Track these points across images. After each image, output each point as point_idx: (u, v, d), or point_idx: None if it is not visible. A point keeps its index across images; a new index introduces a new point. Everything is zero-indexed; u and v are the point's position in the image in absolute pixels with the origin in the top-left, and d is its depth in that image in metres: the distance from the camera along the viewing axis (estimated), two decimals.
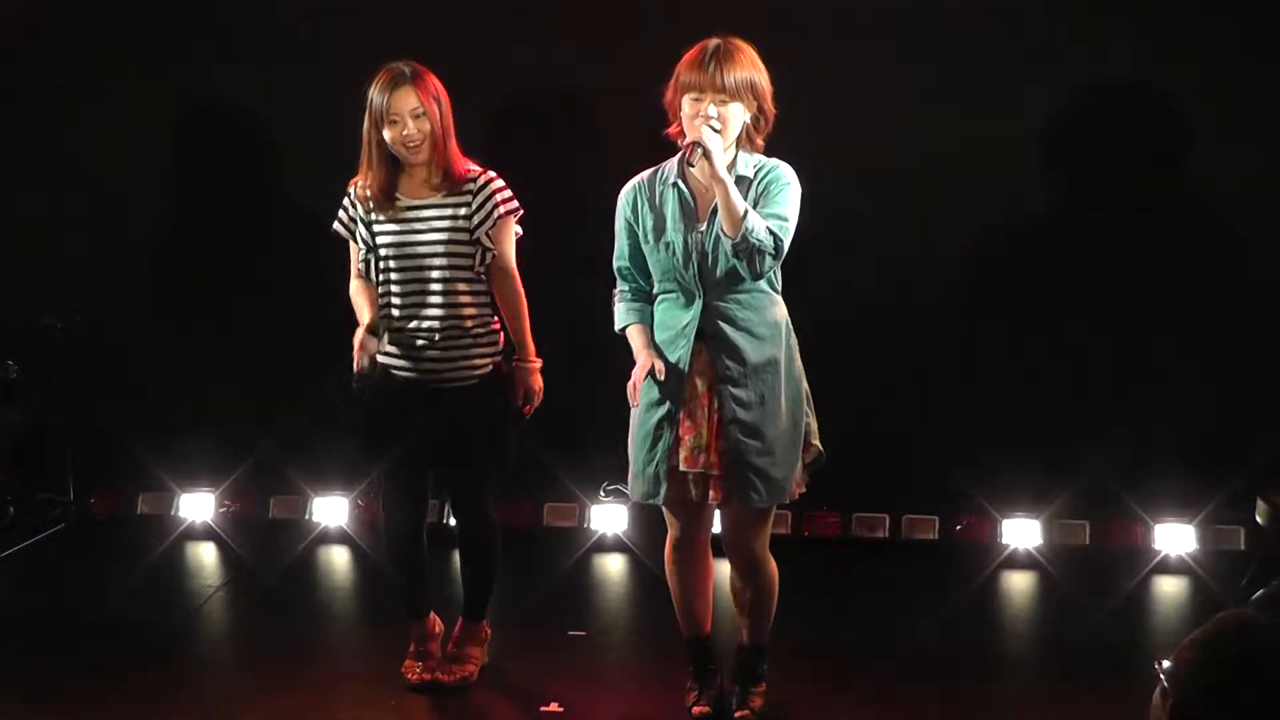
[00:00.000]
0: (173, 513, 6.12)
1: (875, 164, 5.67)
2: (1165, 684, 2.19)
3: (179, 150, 6.17)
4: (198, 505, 6.09)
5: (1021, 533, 5.70)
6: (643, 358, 4.06)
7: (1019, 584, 5.59)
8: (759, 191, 3.97)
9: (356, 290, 4.42)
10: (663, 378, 4.00)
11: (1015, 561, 5.67)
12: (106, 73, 6.06)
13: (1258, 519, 5.06)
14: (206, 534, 6.05)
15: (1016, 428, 5.75)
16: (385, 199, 4.30)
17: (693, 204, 4.02)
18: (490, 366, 4.39)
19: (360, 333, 4.25)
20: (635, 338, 4.12)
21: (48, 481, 6.19)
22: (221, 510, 6.12)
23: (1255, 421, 5.58)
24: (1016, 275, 5.79)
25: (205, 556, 5.93)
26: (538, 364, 4.45)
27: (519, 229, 4.41)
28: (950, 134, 5.66)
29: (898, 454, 5.78)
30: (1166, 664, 2.21)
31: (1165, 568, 5.59)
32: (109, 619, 5.15)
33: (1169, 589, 5.49)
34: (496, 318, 4.42)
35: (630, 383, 4.05)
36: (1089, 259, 5.72)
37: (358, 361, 4.22)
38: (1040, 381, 5.76)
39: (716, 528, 4.28)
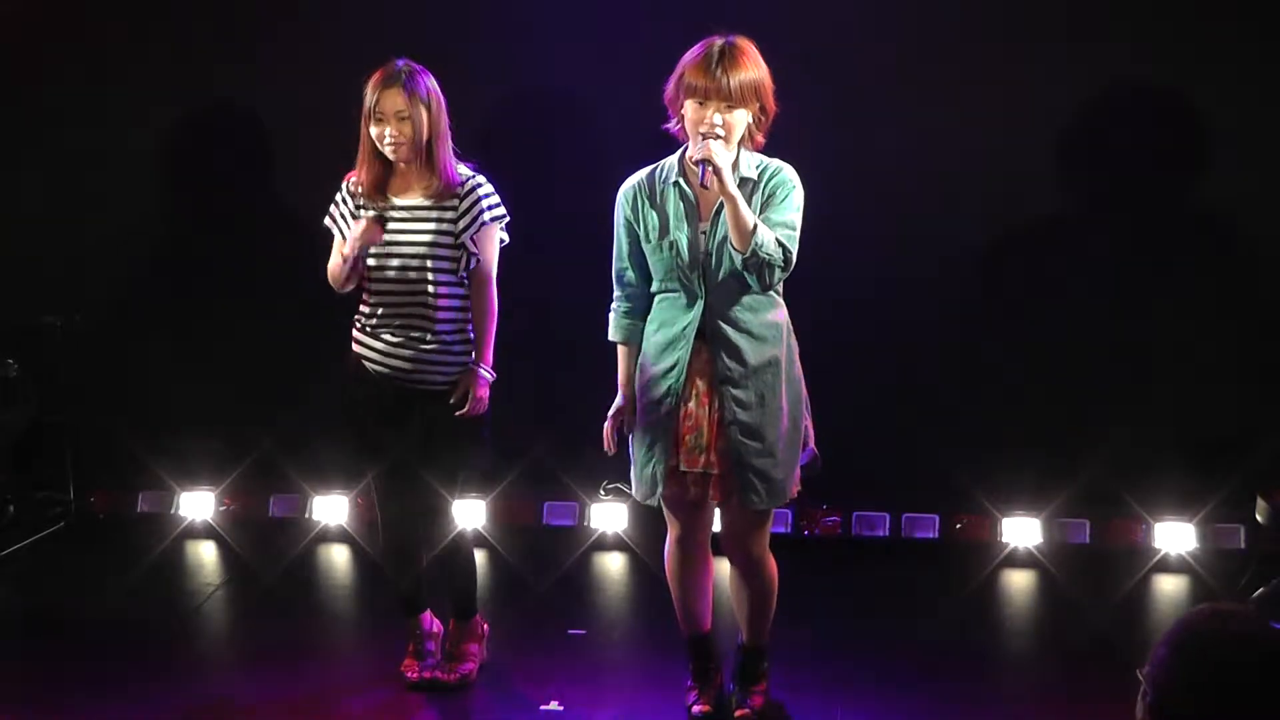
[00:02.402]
0: (173, 511, 6.12)
1: (875, 163, 5.67)
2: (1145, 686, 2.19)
3: (179, 150, 6.17)
4: (198, 504, 6.09)
5: (1021, 531, 5.70)
6: (618, 401, 4.13)
7: (1019, 583, 5.59)
8: (764, 196, 3.96)
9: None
10: (640, 406, 4.06)
11: (1015, 560, 5.68)
12: (106, 73, 6.06)
13: (1257, 518, 5.06)
14: (206, 533, 6.05)
15: (1016, 427, 5.75)
16: (374, 193, 4.31)
17: (695, 202, 4.02)
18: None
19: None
20: (620, 365, 4.16)
21: (48, 480, 6.19)
22: (221, 509, 6.12)
23: (1255, 421, 5.58)
24: (1017, 275, 5.79)
25: (205, 555, 5.93)
26: (490, 375, 4.37)
27: (505, 236, 4.40)
28: (951, 134, 5.66)
29: (898, 454, 5.79)
30: (1148, 669, 2.21)
31: (1165, 566, 5.59)
32: (109, 618, 5.15)
33: (1169, 588, 5.49)
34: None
35: (605, 428, 4.11)
36: (1089, 259, 5.72)
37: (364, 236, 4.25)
38: (1041, 381, 5.76)
39: (716, 527, 4.29)
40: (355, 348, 4.39)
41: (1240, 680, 2.12)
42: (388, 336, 4.32)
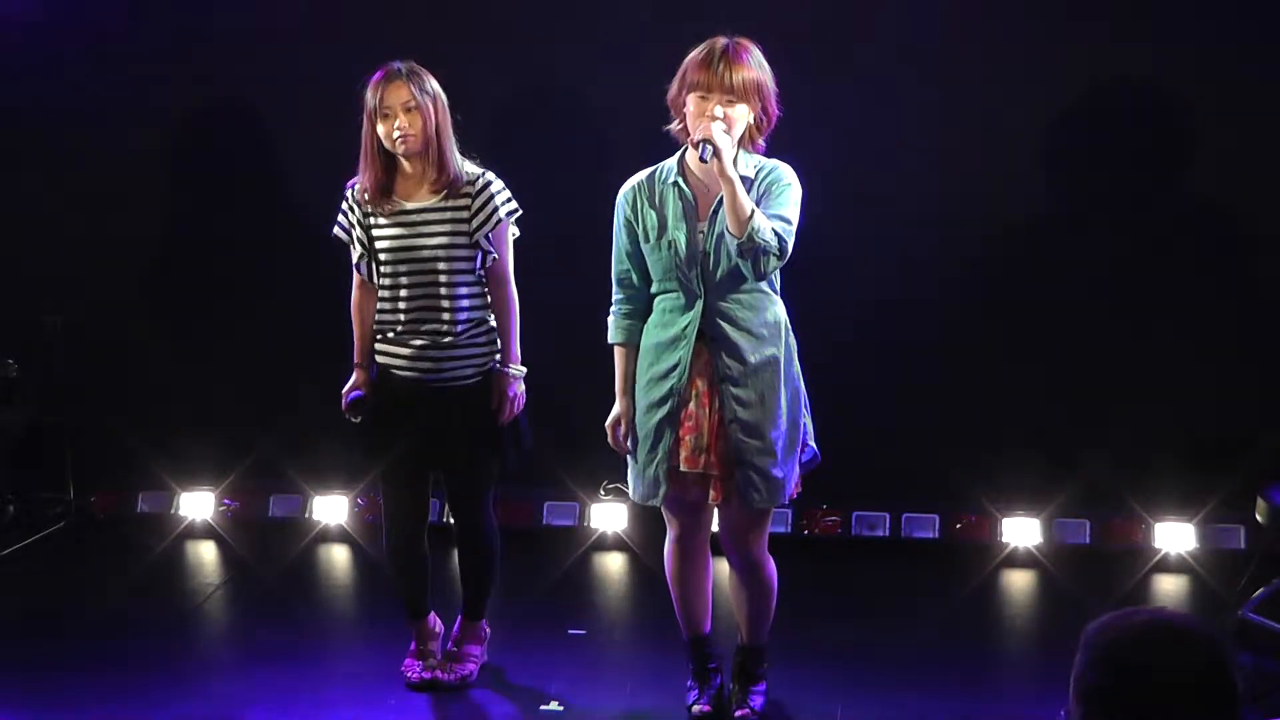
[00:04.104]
0: (173, 511, 6.12)
1: (877, 163, 5.66)
2: (1081, 710, 2.21)
3: (179, 150, 6.17)
4: (198, 504, 6.09)
5: (1021, 531, 5.70)
6: (616, 408, 4.15)
7: (1019, 583, 5.59)
8: (760, 192, 3.96)
9: (356, 305, 4.46)
10: (630, 448, 4.13)
11: (1015, 560, 5.68)
12: (107, 72, 6.06)
13: (1258, 518, 5.06)
14: (206, 532, 6.05)
15: (1016, 427, 5.75)
16: (381, 198, 4.30)
17: (693, 202, 4.02)
18: (491, 365, 4.39)
19: (348, 388, 4.40)
20: (618, 369, 4.17)
21: (48, 480, 6.19)
22: (221, 509, 6.12)
23: (1255, 421, 5.58)
24: (1017, 274, 5.79)
25: (205, 555, 5.93)
26: (521, 371, 4.42)
27: (516, 230, 4.41)
28: (953, 133, 5.66)
29: (898, 454, 5.78)
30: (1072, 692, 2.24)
31: (1165, 566, 5.59)
32: (109, 618, 5.15)
33: (1169, 587, 5.49)
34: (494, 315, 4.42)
35: (610, 441, 4.17)
36: (1090, 258, 5.72)
37: (347, 410, 4.39)
38: (1041, 381, 5.76)
39: (716, 527, 4.29)
40: (379, 358, 4.40)
41: (1168, 663, 2.15)
42: (414, 341, 4.33)
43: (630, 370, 4.15)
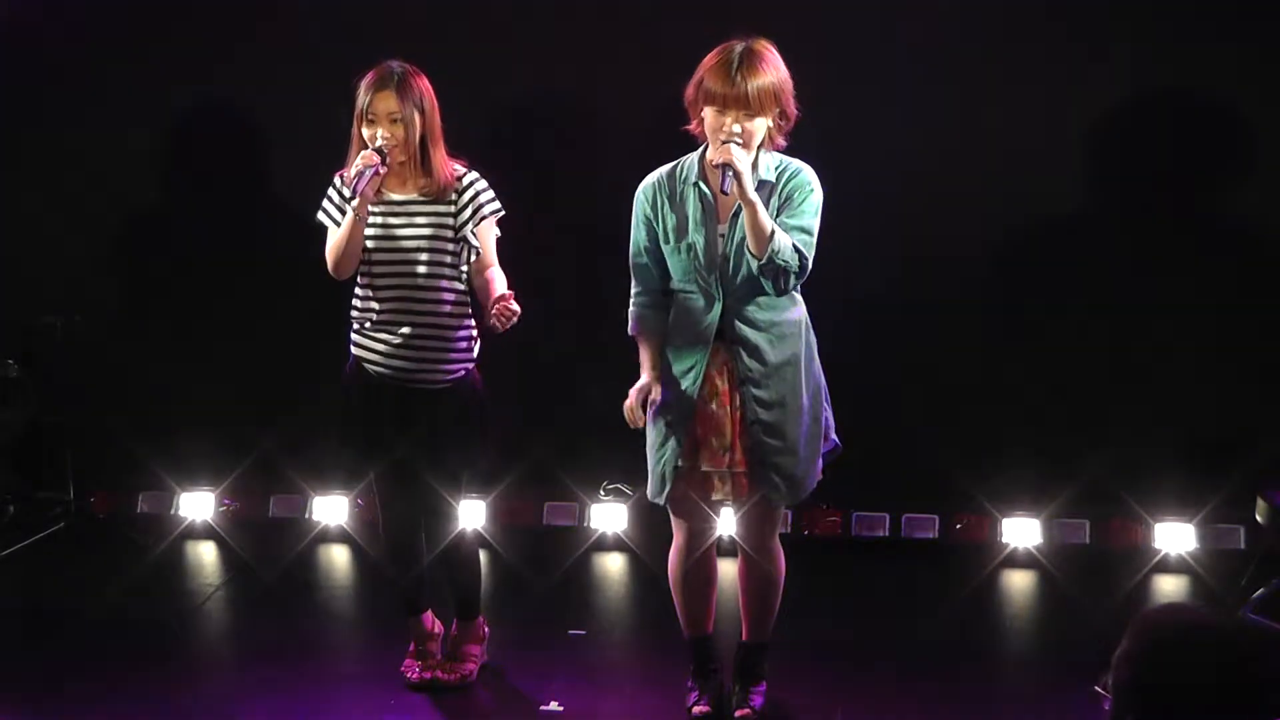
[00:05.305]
0: (173, 512, 6.11)
1: (879, 164, 5.66)
2: (1113, 699, 2.21)
3: (178, 150, 6.17)
4: (198, 504, 6.09)
5: (1021, 532, 5.70)
6: (643, 379, 4.06)
7: (1019, 583, 5.59)
8: (782, 198, 3.95)
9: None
10: (655, 407, 4.00)
11: (1015, 561, 5.68)
12: (106, 73, 6.06)
13: (1257, 518, 5.06)
14: (206, 533, 6.05)
15: (1017, 427, 5.75)
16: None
17: (714, 204, 4.00)
18: (462, 372, 4.35)
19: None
20: (642, 353, 4.11)
21: (48, 480, 6.19)
22: (221, 509, 6.12)
23: (1255, 421, 5.58)
24: (1018, 275, 5.79)
25: (205, 555, 5.93)
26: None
27: (498, 231, 4.39)
28: (957, 133, 5.66)
29: (898, 454, 5.78)
30: (1109, 679, 2.24)
31: (1165, 567, 5.59)
32: (109, 618, 5.15)
33: (1169, 588, 5.49)
34: (474, 322, 4.38)
35: (627, 404, 4.02)
36: (1090, 259, 5.72)
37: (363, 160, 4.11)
38: (1041, 381, 5.76)
39: (720, 529, 4.28)
40: (354, 350, 4.38)
41: (1201, 664, 2.15)
42: (388, 337, 4.31)
43: (655, 354, 4.07)
